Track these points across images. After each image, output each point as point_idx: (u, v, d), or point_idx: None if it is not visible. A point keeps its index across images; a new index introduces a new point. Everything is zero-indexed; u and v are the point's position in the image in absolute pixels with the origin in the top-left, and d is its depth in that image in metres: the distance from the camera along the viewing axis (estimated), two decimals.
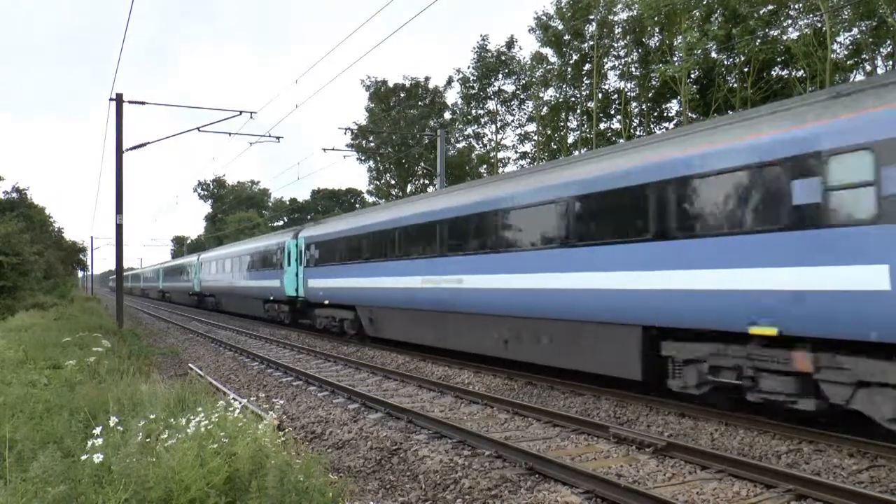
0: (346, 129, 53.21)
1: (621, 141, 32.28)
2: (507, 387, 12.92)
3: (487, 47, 43.82)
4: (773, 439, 8.36)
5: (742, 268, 8.46)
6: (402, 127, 47.82)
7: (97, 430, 4.64)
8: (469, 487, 6.72)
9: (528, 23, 51.21)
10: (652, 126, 36.81)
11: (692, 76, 32.50)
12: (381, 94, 51.80)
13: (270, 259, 28.06)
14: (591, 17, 36.00)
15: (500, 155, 46.08)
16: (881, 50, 28.05)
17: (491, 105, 45.64)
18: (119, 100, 22.74)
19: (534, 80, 41.57)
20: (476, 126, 46.66)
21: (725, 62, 31.68)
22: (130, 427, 4.95)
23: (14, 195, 38.45)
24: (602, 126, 38.58)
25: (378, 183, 54.21)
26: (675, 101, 35.77)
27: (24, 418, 6.26)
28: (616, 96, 38.23)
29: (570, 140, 40.32)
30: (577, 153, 32.02)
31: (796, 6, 28.68)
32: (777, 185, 8.14)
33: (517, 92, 44.35)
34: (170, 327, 31.30)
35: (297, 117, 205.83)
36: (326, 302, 22.44)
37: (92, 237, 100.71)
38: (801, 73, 29.37)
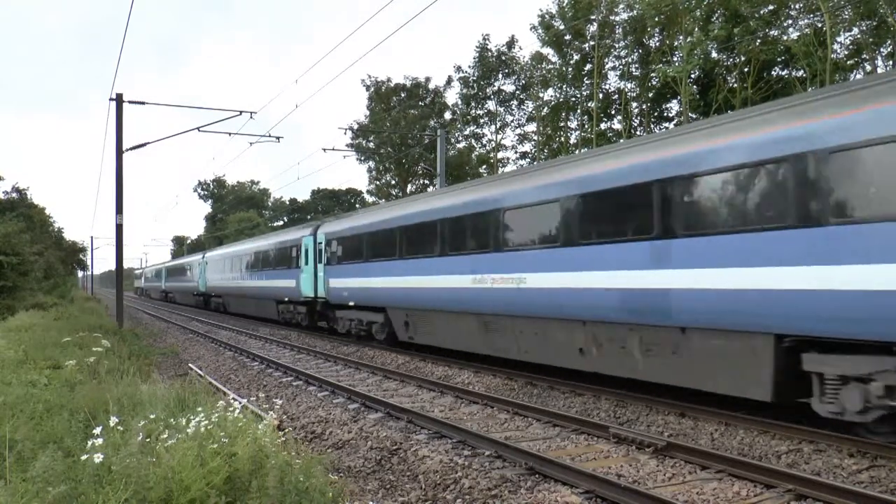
0: (346, 129, 53.27)
1: (622, 140, 32.26)
2: (507, 387, 12.92)
3: (488, 47, 43.86)
4: (773, 439, 8.35)
5: None
6: (402, 127, 47.82)
7: (97, 430, 4.64)
8: (469, 487, 6.72)
9: (531, 21, 51.29)
10: (652, 126, 36.83)
11: (692, 76, 32.52)
12: (381, 94, 51.82)
13: None
14: (593, 17, 36.03)
15: (500, 155, 46.14)
16: (881, 50, 28.06)
17: (491, 105, 45.70)
18: (119, 100, 22.74)
19: (533, 79, 41.62)
20: (475, 126, 46.72)
21: (726, 62, 31.70)
22: (130, 427, 4.95)
23: (14, 195, 38.48)
24: (603, 126, 38.62)
25: (378, 183, 54.26)
26: (675, 101, 35.80)
27: (24, 418, 6.26)
28: (617, 96, 38.26)
29: (572, 140, 40.33)
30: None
31: (797, 6, 28.69)
32: None
33: (517, 92, 44.41)
34: (170, 327, 31.30)
35: (297, 117, 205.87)
36: None
37: (92, 237, 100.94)
38: (801, 73, 29.38)
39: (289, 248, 25.60)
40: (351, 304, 20.12)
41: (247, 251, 32.79)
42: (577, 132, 40.14)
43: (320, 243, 22.39)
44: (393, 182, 53.18)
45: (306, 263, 23.30)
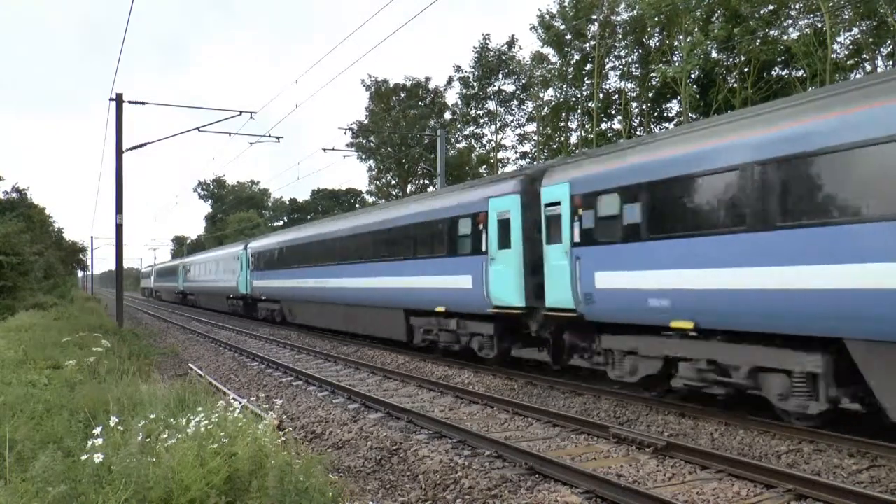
0: (346, 129, 53.29)
1: (622, 141, 32.24)
2: (507, 387, 12.92)
3: (489, 46, 43.83)
4: (773, 439, 8.35)
5: None
6: (402, 127, 47.83)
7: (97, 430, 4.64)
8: (469, 487, 6.72)
9: (531, 21, 51.30)
10: (652, 126, 36.83)
11: (692, 76, 32.53)
12: (381, 94, 51.83)
13: None
14: (594, 16, 36.03)
15: (500, 155, 46.15)
16: (881, 50, 28.06)
17: (491, 105, 45.71)
18: (119, 100, 22.74)
19: (533, 79, 41.62)
20: (475, 126, 46.74)
21: (726, 62, 31.71)
22: (130, 427, 4.95)
23: (14, 195, 38.46)
24: (603, 126, 38.62)
25: (378, 183, 54.26)
26: (675, 101, 35.81)
27: (24, 418, 6.27)
28: (617, 96, 38.27)
29: (572, 140, 40.33)
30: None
31: (797, 6, 28.70)
32: None
33: (517, 92, 44.41)
34: (170, 327, 31.30)
35: (297, 117, 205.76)
36: None
37: (92, 237, 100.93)
38: (801, 73, 29.39)
39: (450, 223, 15.61)
40: (672, 325, 9.69)
41: (337, 234, 22.29)
42: (578, 132, 40.16)
43: (554, 205, 12.21)
44: (393, 182, 53.18)
45: (500, 247, 13.78)
